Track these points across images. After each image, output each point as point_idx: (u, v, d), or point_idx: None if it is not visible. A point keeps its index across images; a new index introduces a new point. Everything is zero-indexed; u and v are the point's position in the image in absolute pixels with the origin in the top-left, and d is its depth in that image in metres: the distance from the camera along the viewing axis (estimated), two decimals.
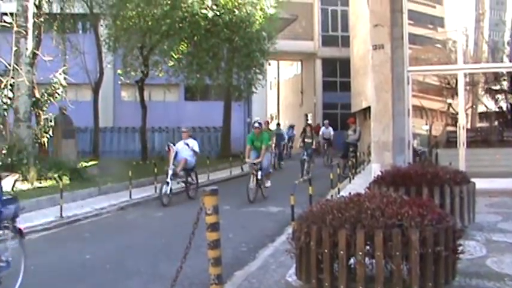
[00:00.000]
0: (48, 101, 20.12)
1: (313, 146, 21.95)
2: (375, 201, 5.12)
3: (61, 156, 19.05)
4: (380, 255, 4.68)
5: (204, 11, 20.93)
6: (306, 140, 21.97)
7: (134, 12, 21.97)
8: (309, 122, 34.85)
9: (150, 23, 21.97)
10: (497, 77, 14.92)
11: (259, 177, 15.17)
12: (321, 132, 27.29)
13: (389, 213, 4.87)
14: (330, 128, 27.67)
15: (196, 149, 16.32)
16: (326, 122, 28.94)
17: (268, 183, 15.99)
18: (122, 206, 14.31)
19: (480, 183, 9.52)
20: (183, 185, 16.17)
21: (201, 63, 23.65)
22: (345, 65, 40.18)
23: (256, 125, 16.10)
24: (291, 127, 35.09)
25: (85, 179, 17.26)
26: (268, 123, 24.08)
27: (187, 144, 16.12)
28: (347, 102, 39.19)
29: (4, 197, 6.34)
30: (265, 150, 15.52)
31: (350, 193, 5.66)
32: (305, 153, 21.09)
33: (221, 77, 24.98)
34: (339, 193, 13.37)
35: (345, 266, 4.82)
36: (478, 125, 15.36)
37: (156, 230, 11.43)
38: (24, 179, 15.47)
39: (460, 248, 5.17)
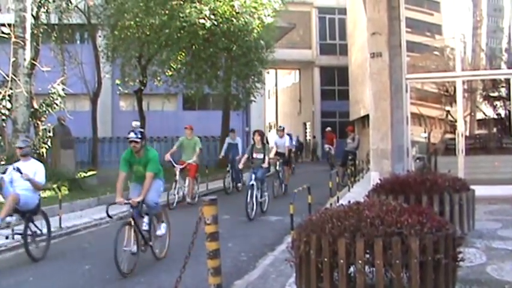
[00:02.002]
0: (47, 112, 20.12)
1: (265, 164, 14.44)
2: (374, 210, 5.12)
3: (60, 167, 19.04)
4: (380, 263, 4.67)
5: (202, 20, 20.93)
6: (254, 155, 14.84)
7: (132, 23, 21.99)
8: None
9: (148, 33, 21.99)
10: (495, 83, 14.93)
11: (144, 227, 9.03)
12: (273, 144, 19.91)
13: (388, 222, 4.86)
14: (286, 137, 20.11)
15: (40, 178, 9.70)
16: (280, 127, 21.23)
17: (161, 229, 9.49)
18: (121, 216, 14.24)
19: (479, 191, 9.52)
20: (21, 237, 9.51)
21: (200, 72, 23.67)
22: (343, 73, 40.26)
23: (132, 136, 9.02)
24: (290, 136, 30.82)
25: (84, 190, 17.24)
26: (191, 128, 16.99)
27: (20, 171, 9.48)
28: (345, 110, 39.22)
29: None
30: (150, 180, 9.03)
31: (349, 201, 5.66)
32: (252, 177, 14.10)
33: (220, 86, 24.97)
34: (338, 201, 13.34)
35: (345, 274, 4.81)
36: (477, 132, 15.35)
37: None
38: None
39: (460, 256, 5.16)
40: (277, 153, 18.58)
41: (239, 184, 19.98)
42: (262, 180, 14.46)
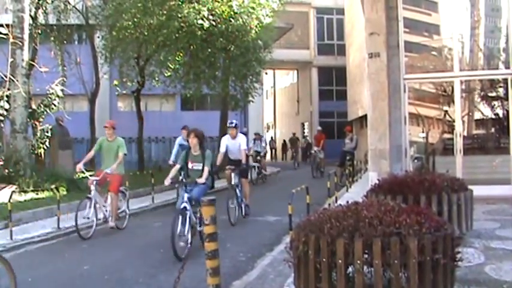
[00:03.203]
0: (45, 112, 20.12)
1: (202, 179, 10.10)
2: (372, 210, 5.12)
3: (58, 167, 19.02)
4: (378, 263, 4.67)
5: (200, 21, 20.94)
6: (190, 165, 10.68)
7: (130, 23, 21.98)
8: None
9: (146, 34, 21.99)
10: (493, 83, 14.94)
11: None
12: (223, 148, 13.89)
13: (387, 222, 4.87)
14: (241, 137, 14.21)
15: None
16: (232, 123, 14.25)
17: None
18: (119, 216, 14.24)
19: (478, 190, 9.52)
20: None
21: (198, 72, 23.71)
22: (341, 73, 40.26)
23: None
24: (257, 138, 24.86)
25: (82, 190, 17.20)
26: (112, 127, 12.80)
27: None
28: (343, 110, 39.23)
29: None
30: None
31: (348, 202, 5.66)
32: (184, 197, 9.95)
33: (218, 86, 24.99)
34: (336, 202, 13.34)
35: (343, 274, 4.81)
36: (475, 132, 15.37)
37: (154, 240, 11.38)
38: (21, 190, 15.43)
39: (459, 256, 5.16)
40: (230, 161, 13.99)
41: None
42: (200, 201, 8.98)
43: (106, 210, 12.33)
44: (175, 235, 9.16)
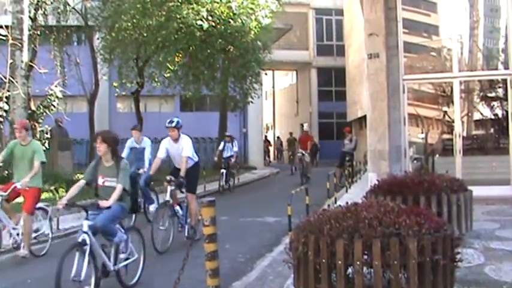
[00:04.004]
0: (44, 113, 20.12)
1: (106, 202, 7.21)
2: (372, 211, 5.12)
3: (57, 168, 19.02)
4: (378, 264, 4.67)
5: (199, 22, 20.95)
6: (100, 181, 7.80)
7: (129, 24, 21.97)
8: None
9: (145, 35, 21.98)
10: (492, 84, 14.95)
11: None
12: (160, 153, 11.67)
13: (386, 222, 4.87)
14: (185, 140, 11.68)
15: None
16: (172, 122, 11.95)
17: None
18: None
19: (477, 191, 9.52)
20: None
21: (197, 73, 23.69)
22: (340, 74, 40.19)
23: None
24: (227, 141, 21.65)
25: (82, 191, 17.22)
26: (24, 128, 9.83)
27: None
28: (343, 111, 39.16)
29: None
30: None
31: (347, 202, 5.66)
32: (84, 226, 6.97)
33: (217, 87, 24.98)
34: (335, 202, 13.35)
35: (343, 275, 4.81)
36: (474, 132, 15.37)
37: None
38: None
39: (458, 256, 5.16)
40: (175, 170, 11.26)
41: (151, 207, 12.92)
42: (109, 231, 7.32)
43: (17, 234, 9.62)
44: (60, 279, 6.34)
